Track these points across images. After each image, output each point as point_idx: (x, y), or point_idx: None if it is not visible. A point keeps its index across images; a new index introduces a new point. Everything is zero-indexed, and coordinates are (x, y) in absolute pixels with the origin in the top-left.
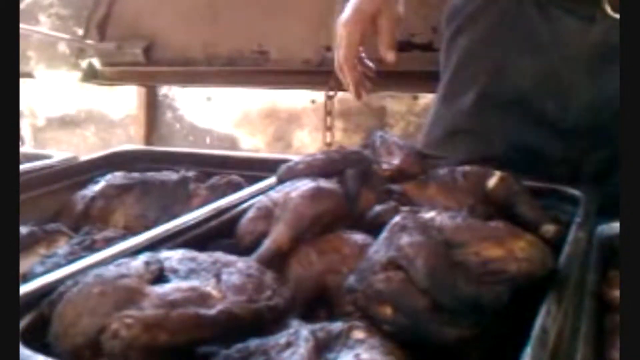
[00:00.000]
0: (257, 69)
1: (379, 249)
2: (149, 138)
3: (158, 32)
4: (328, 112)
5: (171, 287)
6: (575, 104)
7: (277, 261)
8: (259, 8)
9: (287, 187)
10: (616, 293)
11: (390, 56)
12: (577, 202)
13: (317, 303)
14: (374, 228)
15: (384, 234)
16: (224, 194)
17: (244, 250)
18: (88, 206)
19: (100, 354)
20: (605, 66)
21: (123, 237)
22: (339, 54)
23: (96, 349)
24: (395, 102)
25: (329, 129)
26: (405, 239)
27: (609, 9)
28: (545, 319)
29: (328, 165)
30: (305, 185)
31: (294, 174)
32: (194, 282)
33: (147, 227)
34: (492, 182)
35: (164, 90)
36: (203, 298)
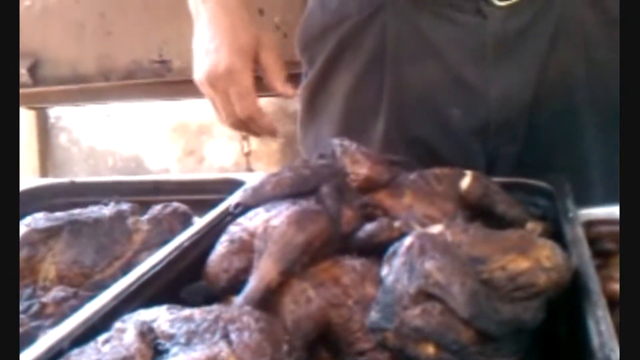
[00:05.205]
0: (159, 80)
1: (399, 278)
2: (43, 166)
3: (44, 48)
4: None
5: None
6: (482, 105)
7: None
8: (157, 14)
9: (261, 213)
10: (615, 287)
11: (289, 90)
12: (547, 195)
13: (317, 342)
14: (367, 250)
15: (400, 259)
16: (170, 226)
17: (220, 293)
18: None
19: None
20: (507, 58)
21: (75, 297)
22: (238, 109)
23: None
24: None
25: (245, 137)
26: (430, 263)
27: None
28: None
29: (299, 183)
30: (286, 209)
31: (262, 197)
32: (203, 351)
33: (86, 276)
34: (465, 182)
35: (56, 111)
36: None
